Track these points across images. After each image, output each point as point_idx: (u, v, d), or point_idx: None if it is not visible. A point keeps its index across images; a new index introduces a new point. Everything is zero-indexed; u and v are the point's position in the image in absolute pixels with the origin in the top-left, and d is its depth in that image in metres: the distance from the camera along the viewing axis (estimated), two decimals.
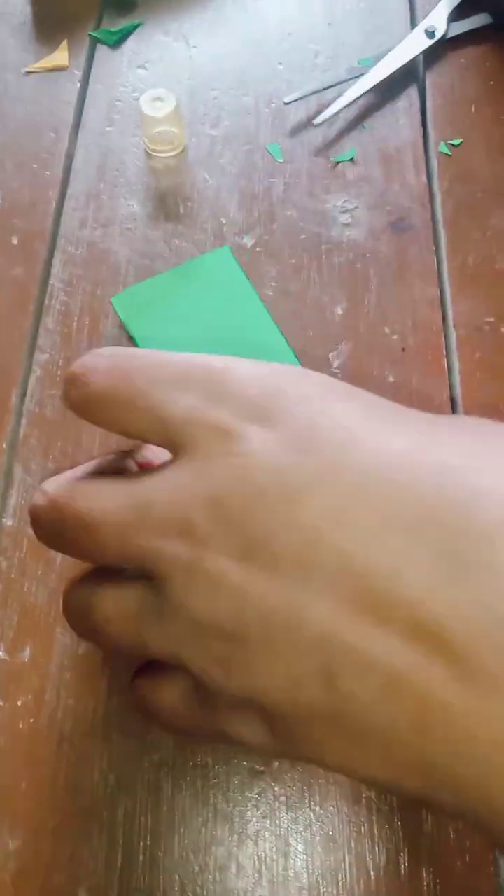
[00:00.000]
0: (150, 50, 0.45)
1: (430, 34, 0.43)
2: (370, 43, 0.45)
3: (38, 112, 0.43)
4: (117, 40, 0.46)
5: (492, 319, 0.35)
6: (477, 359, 0.34)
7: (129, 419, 0.21)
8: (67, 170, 0.41)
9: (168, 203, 0.40)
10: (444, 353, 0.35)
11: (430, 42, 0.43)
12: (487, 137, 0.41)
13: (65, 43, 0.46)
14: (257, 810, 0.27)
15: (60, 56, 0.45)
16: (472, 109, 0.42)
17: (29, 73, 0.45)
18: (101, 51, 0.45)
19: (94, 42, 0.46)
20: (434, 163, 0.40)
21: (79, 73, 0.44)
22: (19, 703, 0.29)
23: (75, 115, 0.43)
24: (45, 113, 0.43)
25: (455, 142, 0.41)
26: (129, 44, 0.46)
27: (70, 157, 0.41)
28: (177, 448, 0.20)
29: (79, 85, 0.44)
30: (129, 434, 0.21)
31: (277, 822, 0.27)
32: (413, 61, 0.43)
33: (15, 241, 0.39)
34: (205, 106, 0.43)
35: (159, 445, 0.21)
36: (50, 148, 0.42)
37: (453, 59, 0.44)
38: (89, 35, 0.46)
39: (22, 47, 0.46)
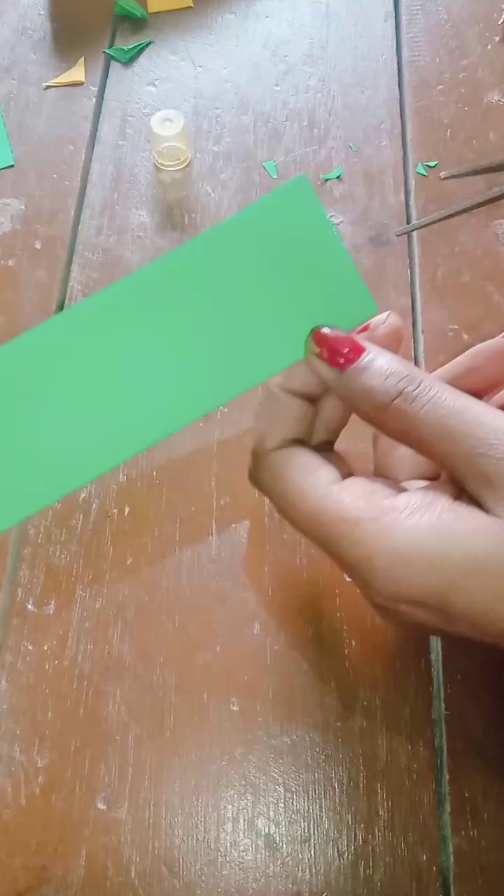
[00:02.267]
0: (158, 68, 0.50)
1: None
2: (358, 66, 0.49)
3: (57, 125, 0.48)
4: (130, 58, 0.50)
5: (456, 327, 0.41)
6: (440, 361, 0.40)
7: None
8: (84, 181, 0.46)
9: (174, 214, 0.44)
10: (413, 355, 0.40)
11: None
12: (459, 159, 0.46)
13: (82, 59, 0.50)
14: (244, 737, 0.32)
15: (77, 72, 0.50)
16: (447, 134, 0.47)
17: (48, 87, 0.49)
18: (115, 67, 0.50)
19: (109, 59, 0.50)
20: (412, 183, 0.45)
21: (94, 89, 0.49)
22: (45, 648, 0.34)
23: (91, 129, 0.47)
24: (63, 126, 0.48)
25: (431, 163, 0.45)
26: (141, 61, 0.50)
27: (87, 169, 0.46)
28: None
29: (94, 100, 0.49)
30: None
31: (260, 747, 0.32)
32: (400, 89, 0.47)
33: (38, 245, 0.43)
34: (208, 123, 0.48)
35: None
36: (68, 160, 0.46)
37: (432, 88, 0.48)
38: (104, 52, 0.50)
39: (42, 62, 0.50)
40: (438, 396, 0.24)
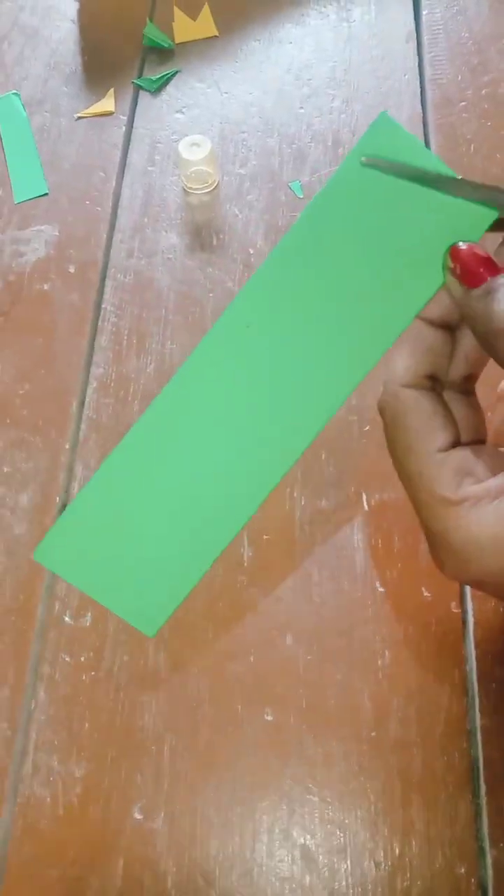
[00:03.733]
0: (186, 96, 0.51)
1: None
2: (381, 87, 0.50)
3: (88, 154, 0.49)
4: (158, 87, 0.52)
5: None
6: None
7: None
8: (115, 206, 0.47)
9: (203, 236, 0.45)
10: None
11: None
12: (483, 174, 0.46)
13: (111, 91, 0.52)
14: (278, 748, 0.33)
15: (108, 102, 0.51)
16: (471, 149, 0.47)
17: (80, 118, 0.51)
18: (144, 97, 0.52)
19: (137, 89, 0.52)
20: None
21: (124, 118, 0.51)
22: (82, 659, 0.35)
23: (121, 156, 0.49)
24: (94, 154, 0.49)
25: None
26: (168, 90, 0.52)
27: (117, 195, 0.47)
28: None
29: (124, 129, 0.50)
30: None
31: (294, 758, 0.32)
32: (423, 107, 0.48)
33: (72, 269, 0.45)
34: (234, 147, 0.49)
35: None
36: (99, 186, 0.48)
37: (454, 105, 0.49)
38: (133, 83, 0.52)
39: (73, 95, 0.52)
40: None
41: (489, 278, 0.24)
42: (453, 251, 0.25)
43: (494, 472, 0.25)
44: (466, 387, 0.28)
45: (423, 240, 0.26)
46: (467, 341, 0.27)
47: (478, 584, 0.27)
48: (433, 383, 0.27)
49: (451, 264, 0.25)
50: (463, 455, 0.26)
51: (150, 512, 0.27)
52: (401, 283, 0.26)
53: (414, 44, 0.52)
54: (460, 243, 0.25)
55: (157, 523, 0.28)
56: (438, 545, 0.26)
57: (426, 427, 0.26)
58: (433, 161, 0.26)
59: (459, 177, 0.25)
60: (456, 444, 0.26)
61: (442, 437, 0.26)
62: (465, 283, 0.25)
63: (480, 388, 0.29)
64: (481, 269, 0.24)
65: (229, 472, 0.27)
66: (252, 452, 0.27)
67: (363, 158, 0.26)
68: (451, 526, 0.25)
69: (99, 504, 0.28)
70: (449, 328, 0.27)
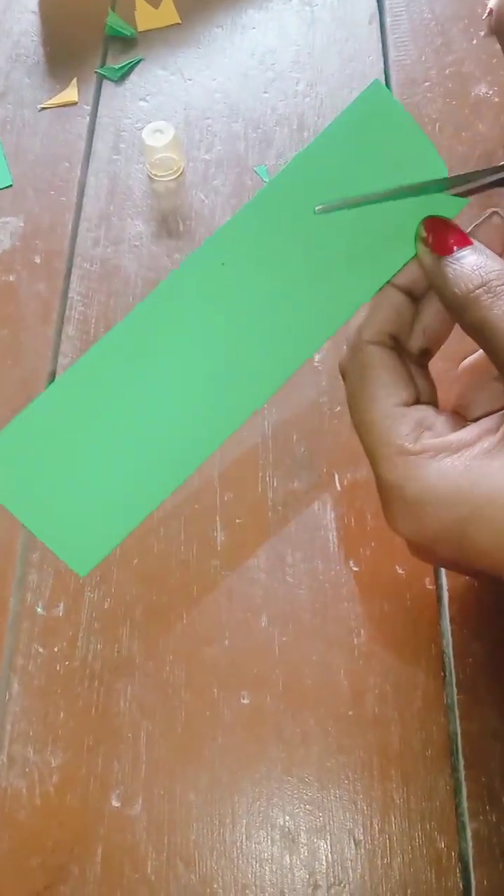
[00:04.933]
0: (150, 84, 0.51)
1: None
2: (346, 69, 0.50)
3: (52, 144, 0.49)
4: (121, 76, 0.51)
5: None
6: None
7: None
8: (81, 196, 0.47)
9: (169, 222, 0.45)
10: None
11: None
12: (449, 152, 0.46)
13: (74, 80, 0.51)
14: (255, 729, 0.32)
15: (71, 93, 0.51)
16: (436, 128, 0.47)
17: (43, 108, 0.50)
18: (107, 86, 0.51)
19: (101, 78, 0.51)
20: None
21: (87, 108, 0.50)
22: (56, 650, 0.34)
23: (86, 146, 0.49)
24: (59, 145, 0.49)
25: None
26: (132, 78, 0.51)
27: (82, 184, 0.47)
28: None
29: (88, 119, 0.50)
30: None
31: (272, 739, 0.32)
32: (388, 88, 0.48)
33: (37, 260, 0.44)
34: (199, 133, 0.48)
35: None
36: (64, 176, 0.47)
37: (419, 85, 0.49)
38: (96, 72, 0.52)
39: (36, 86, 0.51)
40: None
41: (456, 248, 0.25)
42: (426, 222, 0.27)
43: (454, 430, 0.26)
44: (422, 361, 0.29)
45: (398, 212, 0.27)
46: (427, 314, 0.28)
47: (429, 543, 0.26)
48: (395, 345, 0.27)
49: (423, 234, 0.27)
50: (424, 411, 0.26)
51: (100, 440, 0.26)
52: (377, 250, 0.27)
53: (377, 26, 0.52)
54: (436, 217, 0.27)
55: (107, 454, 0.26)
56: (393, 498, 0.26)
57: (390, 380, 0.26)
58: (419, 136, 0.27)
59: (416, 183, 0.27)
60: (416, 403, 0.27)
61: (405, 392, 0.26)
62: (435, 251, 0.26)
63: (443, 364, 0.29)
64: (451, 240, 0.26)
65: (188, 411, 0.26)
66: (214, 392, 0.27)
67: (316, 208, 0.27)
68: (409, 475, 0.25)
69: (46, 424, 0.26)
70: (413, 297, 0.28)
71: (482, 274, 0.25)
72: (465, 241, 0.26)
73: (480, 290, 0.24)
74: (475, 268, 0.25)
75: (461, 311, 0.25)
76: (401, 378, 0.27)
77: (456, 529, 0.24)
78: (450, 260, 0.25)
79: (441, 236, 0.26)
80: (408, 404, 0.26)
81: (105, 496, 0.26)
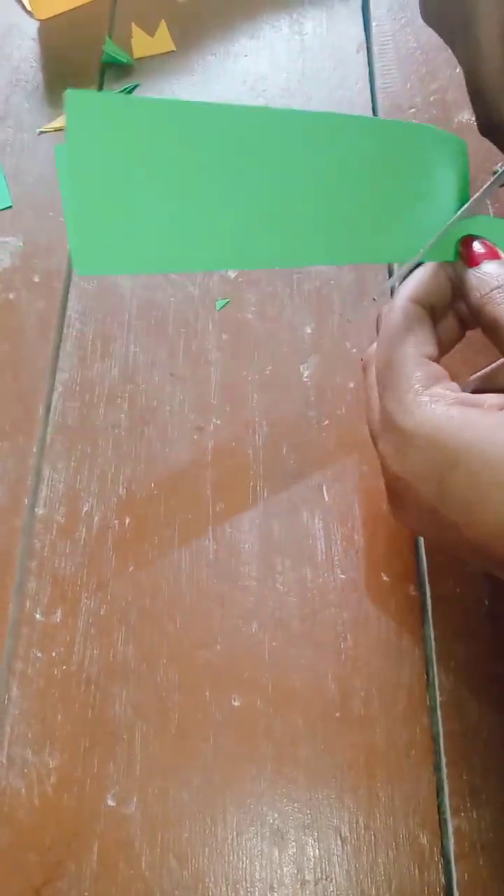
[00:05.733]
0: None
1: None
2: (334, 95, 0.52)
3: (51, 168, 0.50)
4: None
5: None
6: None
7: None
8: None
9: None
10: None
11: None
12: None
13: None
14: (245, 730, 0.34)
15: None
16: None
17: (42, 132, 0.52)
18: None
19: None
20: None
21: None
22: (53, 654, 0.36)
23: None
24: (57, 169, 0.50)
25: None
26: None
27: None
28: None
29: None
30: None
31: (262, 740, 0.33)
32: (374, 114, 0.50)
33: (36, 279, 0.46)
34: None
35: None
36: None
37: (404, 112, 0.51)
38: None
39: (35, 110, 0.53)
40: None
41: (484, 260, 0.30)
42: (464, 239, 0.31)
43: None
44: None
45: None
46: (442, 331, 0.32)
47: (412, 480, 0.27)
48: (432, 314, 0.31)
49: (461, 249, 0.31)
50: (444, 370, 0.29)
51: (186, 175, 0.24)
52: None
53: (364, 54, 0.54)
54: (476, 238, 0.31)
55: (183, 191, 0.24)
56: (391, 429, 0.28)
57: (422, 334, 0.30)
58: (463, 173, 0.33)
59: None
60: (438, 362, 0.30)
61: (432, 348, 0.30)
62: (467, 264, 0.30)
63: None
64: (478, 254, 0.30)
65: (273, 214, 0.26)
66: (301, 216, 0.27)
67: (396, 282, 0.32)
68: (411, 410, 0.27)
69: (149, 125, 0.23)
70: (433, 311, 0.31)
71: (500, 279, 0.29)
72: (495, 254, 0.30)
73: (495, 291, 0.28)
74: (495, 275, 0.29)
75: (479, 312, 0.29)
76: (430, 338, 0.30)
77: (437, 472, 0.26)
78: (475, 269, 0.30)
79: (470, 250, 0.30)
80: (433, 359, 0.29)
81: (152, 224, 0.24)
